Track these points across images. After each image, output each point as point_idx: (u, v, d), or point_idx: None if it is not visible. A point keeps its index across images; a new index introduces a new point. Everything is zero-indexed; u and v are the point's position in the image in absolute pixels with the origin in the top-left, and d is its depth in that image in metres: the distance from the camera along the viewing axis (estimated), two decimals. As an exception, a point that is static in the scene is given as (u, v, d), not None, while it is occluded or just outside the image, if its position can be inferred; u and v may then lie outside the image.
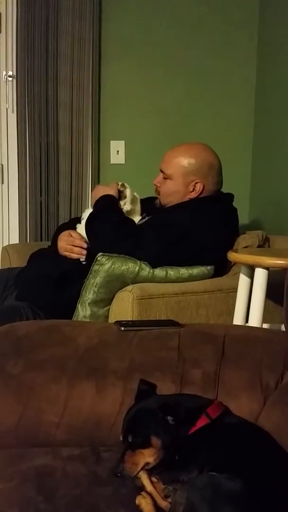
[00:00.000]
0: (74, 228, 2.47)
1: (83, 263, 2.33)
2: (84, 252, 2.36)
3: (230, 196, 2.51)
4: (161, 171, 2.47)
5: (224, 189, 2.51)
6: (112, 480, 1.19)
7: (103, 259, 2.13)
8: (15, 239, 3.12)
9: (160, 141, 3.06)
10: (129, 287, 2.12)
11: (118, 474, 1.18)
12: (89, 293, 2.17)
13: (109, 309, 2.20)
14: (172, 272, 2.22)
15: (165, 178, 2.45)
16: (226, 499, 1.05)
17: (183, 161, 2.41)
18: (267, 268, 2.00)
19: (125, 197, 2.42)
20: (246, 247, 2.38)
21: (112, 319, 2.15)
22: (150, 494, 1.16)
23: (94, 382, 1.43)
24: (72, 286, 2.24)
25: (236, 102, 3.26)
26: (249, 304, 2.06)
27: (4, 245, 3.04)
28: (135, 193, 2.48)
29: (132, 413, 1.28)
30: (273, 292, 2.02)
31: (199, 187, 2.40)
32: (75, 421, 1.40)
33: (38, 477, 1.22)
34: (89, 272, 2.16)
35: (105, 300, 2.19)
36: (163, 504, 1.15)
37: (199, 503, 1.05)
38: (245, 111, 3.26)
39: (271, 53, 3.10)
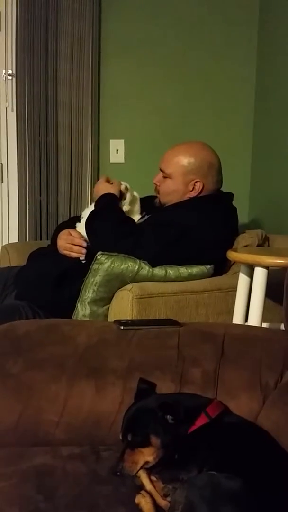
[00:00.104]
0: (74, 227, 2.47)
1: (83, 262, 2.33)
2: (84, 251, 2.36)
3: (229, 195, 2.51)
4: (161, 170, 2.47)
5: (224, 188, 2.51)
6: (112, 479, 1.19)
7: (103, 258, 2.13)
8: (14, 238, 3.12)
9: (160, 140, 3.06)
10: (129, 286, 2.12)
11: (118, 473, 1.18)
12: (88, 292, 2.17)
13: (108, 308, 2.20)
14: (171, 271, 2.22)
15: (164, 177, 2.45)
16: (225, 498, 1.05)
17: (182, 160, 2.41)
18: (266, 267, 2.00)
19: (125, 199, 2.42)
20: (245, 246, 2.38)
21: (111, 318, 2.15)
22: (149, 493, 1.16)
23: (94, 381, 1.43)
24: (71, 285, 2.24)
25: (236, 101, 3.26)
26: (249, 303, 2.06)
27: (4, 244, 3.04)
28: (135, 193, 2.48)
29: (132, 412, 1.28)
30: (272, 291, 2.02)
31: (198, 186, 2.40)
32: (74, 420, 1.40)
33: (37, 476, 1.22)
34: (89, 271, 2.16)
35: (105, 299, 2.19)
36: (163, 503, 1.15)
37: (198, 502, 1.05)
38: (244, 110, 3.26)
39: (271, 53, 3.10)
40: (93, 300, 2.17)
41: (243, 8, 3.18)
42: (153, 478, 1.19)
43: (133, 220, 2.41)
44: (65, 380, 1.43)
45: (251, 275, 2.08)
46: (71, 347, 1.50)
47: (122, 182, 2.45)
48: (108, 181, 2.47)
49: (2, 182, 3.14)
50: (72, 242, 2.39)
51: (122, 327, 1.56)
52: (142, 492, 1.16)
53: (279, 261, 1.97)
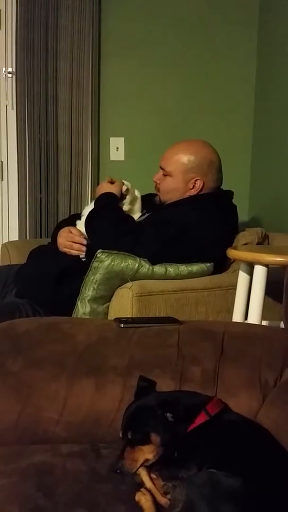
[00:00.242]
0: (74, 225, 2.47)
1: (83, 259, 2.34)
2: (84, 248, 2.36)
3: (229, 194, 2.51)
4: (161, 168, 2.47)
5: (224, 187, 2.51)
6: (112, 476, 1.19)
7: (103, 256, 2.13)
8: (14, 236, 3.12)
9: (160, 138, 3.06)
10: (129, 284, 2.12)
11: (118, 471, 1.18)
12: (88, 290, 2.17)
13: (108, 306, 2.20)
14: (171, 269, 2.22)
15: (165, 175, 2.45)
16: (225, 496, 1.05)
17: (183, 158, 2.41)
18: (266, 265, 2.00)
19: (125, 199, 2.42)
20: (245, 244, 2.38)
21: (111, 316, 2.15)
22: (149, 491, 1.16)
23: (94, 379, 1.43)
24: (71, 283, 2.24)
25: (236, 100, 3.26)
26: (249, 301, 2.06)
27: (4, 242, 3.04)
28: (136, 192, 2.48)
29: (132, 410, 1.28)
30: (272, 289, 2.02)
31: (199, 184, 2.40)
32: (74, 418, 1.40)
33: (37, 474, 1.22)
34: (89, 269, 2.17)
35: (105, 297, 2.19)
36: (163, 500, 1.15)
37: (198, 500, 1.05)
38: (244, 109, 3.26)
39: (271, 53, 3.10)
40: (93, 298, 2.18)
41: (243, 8, 3.19)
42: (153, 475, 1.19)
43: (133, 218, 2.41)
44: (65, 378, 1.43)
45: (251, 273, 2.08)
46: (71, 345, 1.50)
47: (124, 182, 2.44)
48: (111, 181, 2.47)
49: (2, 180, 3.14)
50: (72, 239, 2.39)
51: (122, 325, 1.56)
52: (142, 489, 1.16)
53: (279, 259, 1.97)
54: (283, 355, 1.47)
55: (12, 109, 3.04)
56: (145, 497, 1.14)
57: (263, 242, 2.48)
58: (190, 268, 2.25)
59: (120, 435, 1.24)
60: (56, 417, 1.40)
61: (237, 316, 2.14)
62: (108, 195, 2.38)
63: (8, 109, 3.07)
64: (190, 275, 2.25)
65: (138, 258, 2.17)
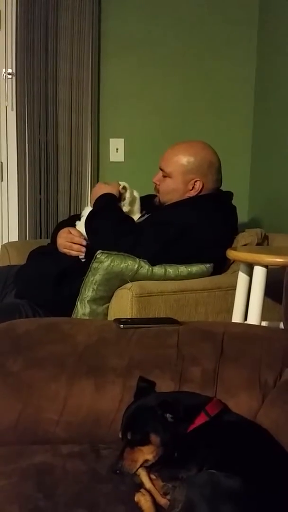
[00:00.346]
0: (74, 225, 2.47)
1: (82, 260, 2.34)
2: (83, 249, 2.36)
3: (229, 194, 2.51)
4: (161, 169, 2.47)
5: (224, 187, 2.52)
6: (111, 477, 1.20)
7: (102, 257, 2.13)
8: (14, 236, 3.12)
9: (160, 139, 3.06)
10: (128, 285, 2.12)
11: (117, 471, 1.18)
12: (88, 291, 2.17)
13: (108, 306, 2.20)
14: (171, 270, 2.22)
15: (164, 176, 2.45)
16: (225, 496, 1.05)
17: (182, 159, 2.41)
18: (266, 266, 2.00)
19: (125, 199, 2.42)
20: (245, 245, 2.38)
21: (111, 316, 2.15)
22: (149, 491, 1.16)
23: (93, 379, 1.44)
24: (71, 284, 2.24)
25: (236, 101, 3.26)
26: (248, 302, 2.06)
27: (4, 242, 3.04)
28: (135, 192, 2.48)
29: (131, 410, 1.28)
30: (272, 290, 2.02)
31: (198, 185, 2.40)
32: (74, 419, 1.40)
33: (37, 474, 1.22)
34: (89, 269, 2.16)
35: (104, 297, 2.19)
36: (162, 501, 1.15)
37: (198, 501, 1.05)
38: (244, 110, 3.26)
39: (270, 53, 3.10)
40: (93, 299, 2.18)
41: (243, 8, 3.18)
42: (153, 476, 1.19)
43: (133, 219, 2.41)
44: (65, 379, 1.44)
45: (250, 274, 2.08)
46: (71, 345, 1.50)
47: (121, 183, 2.45)
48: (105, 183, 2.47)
49: (2, 181, 3.14)
50: (72, 240, 2.39)
51: (121, 326, 1.56)
52: (142, 490, 1.16)
53: (279, 260, 1.97)
54: (282, 355, 1.47)
55: (12, 110, 3.05)
56: (144, 497, 1.14)
57: (262, 243, 2.48)
58: (189, 269, 2.25)
59: (120, 435, 1.25)
60: (56, 417, 1.40)
61: (237, 317, 2.14)
62: (107, 196, 2.38)
63: (8, 110, 3.07)
64: (190, 276, 2.25)
65: (137, 259, 2.17)
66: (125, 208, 2.42)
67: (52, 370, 1.45)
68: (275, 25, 3.02)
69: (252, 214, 3.22)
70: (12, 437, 1.40)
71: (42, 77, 3.00)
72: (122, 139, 3.20)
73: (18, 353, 1.49)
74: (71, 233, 2.42)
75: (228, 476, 1.08)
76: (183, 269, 2.24)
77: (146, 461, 1.19)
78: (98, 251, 2.15)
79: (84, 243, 2.37)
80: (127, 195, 2.43)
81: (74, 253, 2.38)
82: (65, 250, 2.39)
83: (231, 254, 2.15)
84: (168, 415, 1.22)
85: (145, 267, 2.17)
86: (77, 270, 2.26)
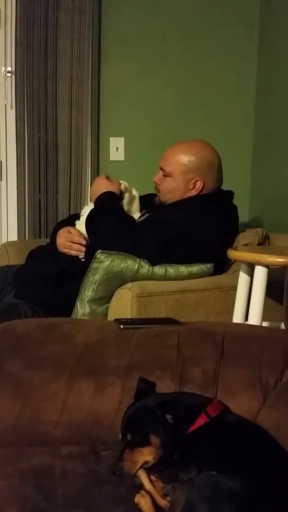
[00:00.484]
0: (73, 225, 2.47)
1: (82, 260, 2.33)
2: (83, 248, 2.35)
3: (230, 194, 2.50)
4: (161, 169, 2.46)
5: (224, 187, 2.51)
6: (111, 478, 1.19)
7: (102, 257, 2.12)
8: (13, 236, 3.12)
9: (160, 138, 3.05)
10: (128, 285, 2.12)
11: (117, 473, 1.18)
12: (88, 291, 2.17)
13: (108, 307, 2.19)
14: (171, 269, 2.22)
15: (164, 176, 2.44)
16: (225, 498, 1.05)
17: (183, 159, 2.40)
18: (267, 266, 1.99)
19: (123, 199, 2.42)
20: (246, 245, 2.38)
21: (111, 317, 2.14)
22: (149, 493, 1.16)
23: (93, 380, 1.43)
24: (71, 284, 2.24)
25: (236, 99, 3.26)
26: (249, 302, 2.06)
27: (3, 242, 3.03)
28: (134, 191, 2.48)
29: (131, 411, 1.27)
30: (272, 290, 2.02)
31: (199, 185, 2.40)
32: (74, 420, 1.40)
33: (36, 475, 1.22)
34: (88, 269, 2.16)
35: (104, 297, 2.18)
36: (162, 502, 1.14)
37: (198, 502, 1.05)
38: (245, 109, 3.26)
39: (271, 52, 3.09)
40: (93, 299, 2.17)
41: (244, 8, 3.18)
42: (153, 477, 1.18)
43: (134, 219, 2.40)
44: (65, 379, 1.43)
45: (251, 274, 2.07)
46: (71, 346, 1.50)
47: (121, 182, 2.44)
48: (107, 179, 2.45)
49: (1, 180, 3.14)
50: (72, 240, 2.39)
51: (121, 326, 1.55)
52: (142, 491, 1.16)
53: (280, 260, 1.97)
54: (283, 356, 1.47)
55: (12, 108, 3.04)
56: (144, 499, 1.14)
57: (263, 243, 2.48)
58: (190, 269, 2.25)
59: (120, 436, 1.24)
60: (56, 418, 1.39)
61: (238, 317, 2.14)
62: (108, 194, 2.37)
63: (7, 108, 3.06)
64: (190, 276, 2.24)
65: (138, 259, 2.16)
66: (124, 208, 2.42)
67: (52, 371, 1.45)
68: (276, 25, 3.02)
69: (253, 213, 3.21)
70: (11, 438, 1.39)
71: (41, 76, 2.99)
72: (122, 138, 3.19)
73: (17, 353, 1.49)
74: (70, 232, 2.41)
75: (228, 478, 1.07)
76: (183, 269, 2.23)
77: (146, 462, 1.19)
78: (98, 251, 2.14)
79: (84, 242, 2.36)
80: (126, 195, 2.43)
81: (73, 252, 2.37)
82: (65, 250, 2.38)
83: (232, 254, 2.15)
84: (168, 416, 1.21)
85: (145, 267, 2.17)
86: (76, 270, 2.26)
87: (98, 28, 3.04)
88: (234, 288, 2.16)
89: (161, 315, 2.10)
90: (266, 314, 2.03)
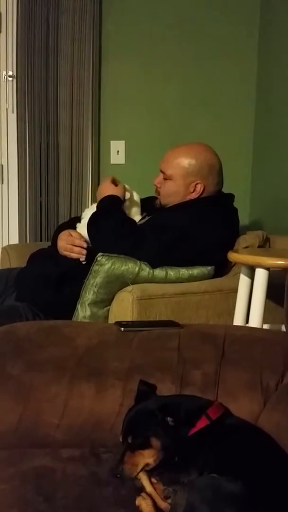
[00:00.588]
0: (74, 228, 2.47)
1: (83, 263, 2.33)
2: (84, 251, 2.35)
3: (230, 197, 2.50)
4: (161, 172, 2.46)
5: (225, 189, 2.51)
6: (112, 481, 1.19)
7: (103, 260, 2.13)
8: (15, 239, 3.12)
9: (161, 141, 3.05)
10: (129, 288, 2.12)
11: (118, 475, 1.18)
12: (89, 294, 2.17)
13: (109, 309, 2.19)
14: (172, 272, 2.22)
15: (165, 179, 2.44)
16: (226, 500, 1.05)
17: (183, 162, 2.40)
18: (267, 269, 1.99)
19: (125, 202, 2.42)
20: (246, 247, 2.38)
21: (112, 319, 2.14)
22: (150, 495, 1.15)
23: (94, 383, 1.43)
24: (72, 287, 2.24)
25: (237, 101, 3.26)
26: (250, 304, 2.06)
27: (4, 245, 3.03)
28: (135, 195, 2.48)
29: (132, 414, 1.27)
30: (273, 293, 2.02)
31: (199, 188, 2.40)
32: (74, 422, 1.40)
33: (37, 478, 1.22)
34: (89, 272, 2.16)
35: (105, 300, 2.18)
36: (163, 505, 1.14)
37: (199, 505, 1.04)
38: (245, 111, 3.26)
39: (272, 52, 3.09)
40: (94, 301, 2.17)
41: (244, 7, 3.18)
42: (154, 480, 1.18)
43: (135, 222, 2.40)
44: (65, 382, 1.43)
45: (252, 277, 2.07)
46: (71, 349, 1.50)
47: (127, 188, 2.44)
48: (113, 182, 2.46)
49: (2, 183, 3.14)
50: (73, 243, 2.39)
51: (122, 329, 1.55)
52: (143, 494, 1.15)
53: (280, 262, 1.97)
54: (284, 358, 1.47)
55: (13, 112, 3.04)
56: (145, 501, 1.14)
57: (264, 245, 2.48)
58: (190, 272, 2.25)
59: (120, 439, 1.24)
60: (56, 420, 1.39)
61: (238, 320, 2.14)
62: (110, 197, 2.38)
63: (8, 112, 3.07)
64: (191, 279, 2.25)
65: (138, 262, 2.17)
66: (125, 211, 2.42)
67: (53, 373, 1.45)
68: (276, 25, 3.02)
69: (253, 216, 3.21)
70: (12, 440, 1.39)
71: (42, 79, 3.00)
72: (123, 141, 3.20)
73: (19, 356, 1.49)
74: (71, 235, 2.41)
75: (229, 480, 1.07)
76: (184, 271, 2.24)
77: (147, 465, 1.19)
78: (99, 254, 2.14)
79: (85, 245, 2.37)
80: (127, 197, 2.43)
81: (74, 255, 2.37)
82: (66, 253, 2.39)
83: (232, 256, 2.15)
84: (169, 419, 1.21)
85: (146, 270, 2.17)
86: (77, 272, 2.26)
87: (98, 30, 3.04)
88: (235, 291, 2.16)
89: (162, 318, 2.10)
90: (266, 316, 2.03)
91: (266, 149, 3.16)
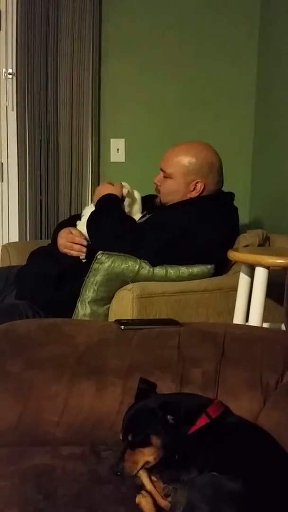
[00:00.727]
0: (74, 225, 2.47)
1: (83, 261, 2.33)
2: (84, 249, 2.35)
3: (230, 195, 2.51)
4: (162, 170, 2.46)
5: (225, 188, 2.51)
6: (112, 479, 1.19)
7: (103, 258, 2.13)
8: (15, 237, 3.12)
9: (161, 139, 3.05)
10: (129, 286, 2.12)
11: (118, 473, 1.18)
12: (89, 292, 2.17)
13: (109, 307, 2.20)
14: (172, 270, 2.22)
15: (165, 177, 2.44)
16: (226, 499, 1.05)
17: (183, 160, 2.40)
18: (267, 267, 1.99)
19: (125, 200, 2.42)
20: (246, 246, 2.38)
21: (112, 317, 2.14)
22: (150, 493, 1.15)
23: (94, 381, 1.43)
24: (72, 285, 2.24)
25: (237, 100, 3.26)
26: (249, 303, 2.06)
27: (4, 243, 3.03)
28: (136, 193, 2.48)
29: (132, 412, 1.27)
30: (273, 291, 2.02)
31: (199, 186, 2.40)
32: (74, 420, 1.40)
33: (37, 476, 1.22)
34: (89, 270, 2.16)
35: (105, 298, 2.18)
36: (163, 503, 1.14)
37: (199, 503, 1.05)
38: (245, 110, 3.26)
39: (271, 51, 3.09)
40: (94, 299, 2.17)
41: (244, 7, 3.18)
42: (154, 478, 1.18)
43: (134, 220, 2.40)
44: (65, 380, 1.43)
45: (251, 275, 2.07)
46: (71, 346, 1.50)
47: (123, 184, 2.44)
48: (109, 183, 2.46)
49: (2, 181, 3.14)
50: (73, 240, 2.39)
51: (122, 327, 1.55)
52: (143, 492, 1.15)
53: (280, 261, 1.97)
54: (284, 357, 1.47)
55: (13, 110, 3.04)
56: (145, 499, 1.14)
57: (264, 244, 2.48)
58: (190, 270, 2.25)
59: (121, 437, 1.24)
60: (56, 418, 1.39)
61: (238, 318, 2.14)
62: (109, 196, 2.38)
63: (8, 110, 3.06)
64: (191, 277, 2.25)
65: (138, 260, 2.17)
66: (126, 209, 2.42)
67: (53, 371, 1.45)
68: (276, 24, 3.02)
69: (253, 215, 3.21)
70: (12, 438, 1.39)
71: (42, 77, 2.99)
72: (123, 140, 3.19)
73: (18, 354, 1.49)
74: (71, 233, 2.41)
75: (229, 479, 1.07)
76: (184, 270, 2.24)
77: (147, 463, 1.19)
78: (99, 252, 2.14)
79: (85, 243, 2.37)
80: (127, 195, 2.43)
81: (74, 253, 2.37)
82: (66, 250, 2.39)
83: (232, 255, 2.15)
84: (169, 417, 1.21)
85: (146, 268, 2.17)
86: (77, 270, 2.26)
87: (98, 30, 3.04)
88: (235, 289, 2.16)
89: (162, 316, 2.10)
90: (266, 315, 2.04)
91: (266, 148, 3.16)
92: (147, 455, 1.19)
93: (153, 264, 2.19)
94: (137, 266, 2.15)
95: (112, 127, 3.17)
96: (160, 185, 2.47)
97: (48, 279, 2.29)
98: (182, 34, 3.17)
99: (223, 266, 2.37)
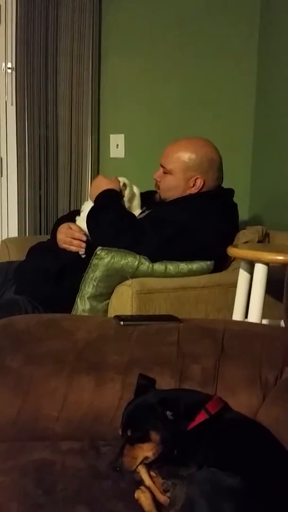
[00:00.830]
0: (74, 221, 2.47)
1: (83, 256, 2.33)
2: (84, 244, 2.35)
3: (230, 192, 2.50)
4: (161, 166, 2.46)
5: (224, 184, 2.51)
6: (111, 474, 1.19)
7: (103, 253, 2.12)
8: (14, 232, 3.12)
9: (160, 135, 3.05)
10: (129, 282, 2.12)
11: (117, 468, 1.18)
12: (88, 287, 2.17)
13: (108, 303, 2.20)
14: (171, 267, 2.22)
15: (165, 173, 2.44)
16: (225, 494, 1.05)
17: (183, 156, 2.40)
18: (267, 264, 1.99)
19: (123, 196, 2.41)
20: (246, 242, 2.38)
21: (111, 313, 2.14)
22: (149, 488, 1.16)
23: (93, 376, 1.43)
24: (71, 280, 2.24)
25: (237, 96, 3.25)
26: (249, 299, 2.06)
27: (3, 238, 3.03)
28: (135, 188, 2.47)
29: (131, 407, 1.27)
30: (272, 288, 2.02)
31: (199, 182, 2.40)
32: (74, 415, 1.40)
33: (37, 470, 1.22)
34: (89, 266, 2.16)
35: (105, 294, 2.18)
36: (162, 498, 1.14)
37: (198, 498, 1.05)
38: (245, 106, 3.25)
39: (271, 50, 3.09)
40: (93, 295, 2.17)
41: (244, 6, 3.17)
42: (153, 473, 1.19)
43: (134, 216, 2.40)
44: (65, 375, 1.43)
45: (251, 272, 2.07)
46: (71, 342, 1.50)
47: (120, 179, 2.44)
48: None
49: (1, 176, 3.14)
50: (72, 236, 2.38)
51: (122, 323, 1.55)
52: (142, 487, 1.16)
53: (280, 257, 1.96)
54: (283, 353, 1.47)
55: (12, 105, 3.04)
56: (144, 494, 1.14)
57: (263, 240, 2.48)
58: (190, 266, 2.25)
59: (120, 432, 1.24)
60: (56, 414, 1.40)
61: (238, 315, 2.14)
62: (109, 191, 2.37)
63: (7, 105, 3.06)
64: (190, 273, 2.25)
65: (138, 256, 2.17)
66: (125, 204, 2.42)
67: (52, 367, 1.45)
68: (276, 25, 3.01)
69: (253, 211, 3.21)
70: (12, 433, 1.39)
71: (42, 72, 2.99)
72: (123, 135, 3.19)
73: (18, 349, 1.49)
74: (71, 228, 2.41)
75: (228, 475, 1.07)
76: (183, 266, 2.24)
77: (146, 458, 1.19)
78: (98, 248, 2.14)
79: (84, 238, 2.36)
80: (127, 191, 2.42)
81: (74, 248, 2.37)
82: (65, 246, 2.38)
83: (232, 251, 2.15)
84: (168, 413, 1.21)
85: (145, 264, 2.17)
86: (77, 266, 2.26)
87: (98, 26, 3.04)
88: (234, 286, 2.16)
89: (161, 312, 2.10)
90: (266, 311, 2.04)
91: (266, 146, 3.15)
92: (146, 451, 1.19)
93: (153, 260, 2.19)
94: (137, 262, 2.15)
95: (112, 123, 3.17)
96: (160, 181, 2.47)
97: (47, 275, 2.28)
98: (181, 32, 3.16)
99: (222, 263, 2.37)
